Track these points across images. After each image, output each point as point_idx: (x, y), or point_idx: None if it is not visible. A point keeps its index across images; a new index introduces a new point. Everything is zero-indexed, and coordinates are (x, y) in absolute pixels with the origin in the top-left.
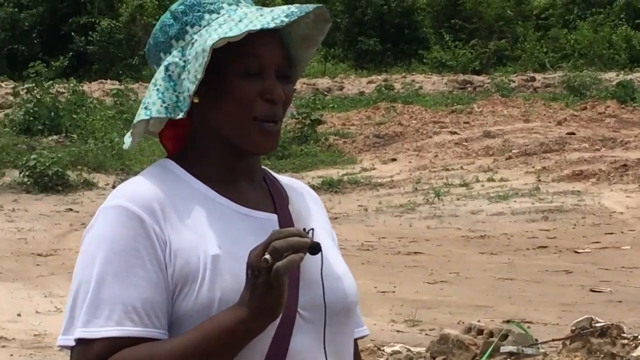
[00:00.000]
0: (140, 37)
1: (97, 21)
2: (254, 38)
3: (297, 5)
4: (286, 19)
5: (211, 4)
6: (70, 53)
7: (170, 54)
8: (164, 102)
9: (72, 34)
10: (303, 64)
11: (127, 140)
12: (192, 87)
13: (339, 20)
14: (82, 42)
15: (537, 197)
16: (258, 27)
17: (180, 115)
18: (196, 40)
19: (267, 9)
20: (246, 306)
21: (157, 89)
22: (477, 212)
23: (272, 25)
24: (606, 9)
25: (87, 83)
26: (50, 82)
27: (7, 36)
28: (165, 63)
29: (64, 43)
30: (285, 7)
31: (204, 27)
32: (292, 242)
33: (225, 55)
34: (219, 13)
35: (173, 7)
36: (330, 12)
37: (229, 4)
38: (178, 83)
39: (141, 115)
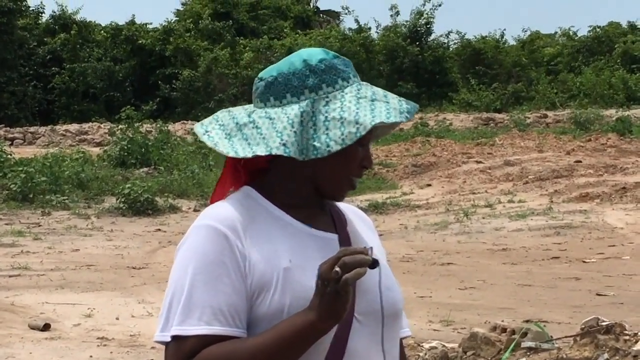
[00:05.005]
0: (215, 85)
1: (179, 72)
2: None
3: (410, 105)
4: (409, 116)
5: (343, 72)
6: (157, 99)
7: (298, 98)
8: (290, 142)
9: (159, 82)
10: (381, 137)
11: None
12: (335, 147)
13: (381, 69)
14: (166, 90)
15: (550, 216)
16: (398, 119)
17: (301, 159)
18: (330, 100)
19: (381, 96)
20: (316, 311)
21: (292, 129)
22: (499, 228)
23: (404, 119)
24: (606, 56)
25: (172, 124)
26: (140, 123)
27: (104, 85)
28: (301, 110)
29: (151, 90)
30: (398, 103)
31: (338, 90)
32: (358, 258)
33: None
34: (348, 82)
35: (312, 61)
36: (374, 61)
37: (354, 76)
38: (305, 129)
39: (275, 149)
